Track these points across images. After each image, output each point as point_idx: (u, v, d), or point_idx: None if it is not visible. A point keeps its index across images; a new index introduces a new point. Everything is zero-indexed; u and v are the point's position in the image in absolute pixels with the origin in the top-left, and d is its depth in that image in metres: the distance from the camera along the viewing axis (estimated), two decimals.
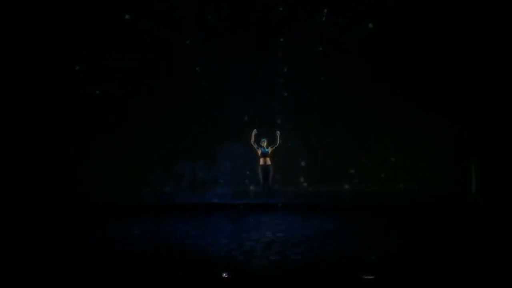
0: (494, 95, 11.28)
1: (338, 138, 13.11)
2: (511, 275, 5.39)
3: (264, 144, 11.28)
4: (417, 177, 12.25)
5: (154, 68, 12.88)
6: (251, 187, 12.81)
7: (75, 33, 12.41)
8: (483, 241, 7.25)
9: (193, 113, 13.13)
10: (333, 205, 10.78)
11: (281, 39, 12.92)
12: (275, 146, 11.27)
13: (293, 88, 12.89)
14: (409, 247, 6.96)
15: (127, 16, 11.94)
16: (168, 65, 12.95)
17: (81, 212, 10.02)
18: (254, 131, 11.30)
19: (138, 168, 12.73)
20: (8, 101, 11.90)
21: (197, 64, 12.98)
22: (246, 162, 12.47)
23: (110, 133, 12.73)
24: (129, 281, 5.25)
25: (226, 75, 12.86)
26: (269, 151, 11.27)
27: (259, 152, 11.30)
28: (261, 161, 11.31)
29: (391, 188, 12.57)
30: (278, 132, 11.33)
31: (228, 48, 12.88)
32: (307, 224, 8.68)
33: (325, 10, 12.64)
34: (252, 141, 11.28)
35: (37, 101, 12.30)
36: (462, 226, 8.64)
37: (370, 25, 12.27)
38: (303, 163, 13.50)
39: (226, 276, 4.90)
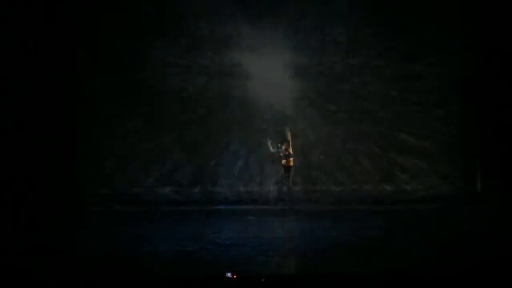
0: (498, 94, 11.27)
1: (337, 137, 13.01)
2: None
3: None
4: (417, 176, 12.19)
5: None
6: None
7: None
8: (484, 241, 7.28)
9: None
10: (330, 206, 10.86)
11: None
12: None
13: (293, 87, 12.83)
14: (410, 246, 6.99)
15: None
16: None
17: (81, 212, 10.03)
18: (269, 141, 10.81)
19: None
20: (8, 100, 11.82)
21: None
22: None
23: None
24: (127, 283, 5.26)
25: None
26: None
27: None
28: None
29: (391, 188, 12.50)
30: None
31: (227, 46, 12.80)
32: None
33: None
34: (272, 151, 10.77)
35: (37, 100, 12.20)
36: (463, 226, 8.69)
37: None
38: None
39: (230, 276, 4.90)
